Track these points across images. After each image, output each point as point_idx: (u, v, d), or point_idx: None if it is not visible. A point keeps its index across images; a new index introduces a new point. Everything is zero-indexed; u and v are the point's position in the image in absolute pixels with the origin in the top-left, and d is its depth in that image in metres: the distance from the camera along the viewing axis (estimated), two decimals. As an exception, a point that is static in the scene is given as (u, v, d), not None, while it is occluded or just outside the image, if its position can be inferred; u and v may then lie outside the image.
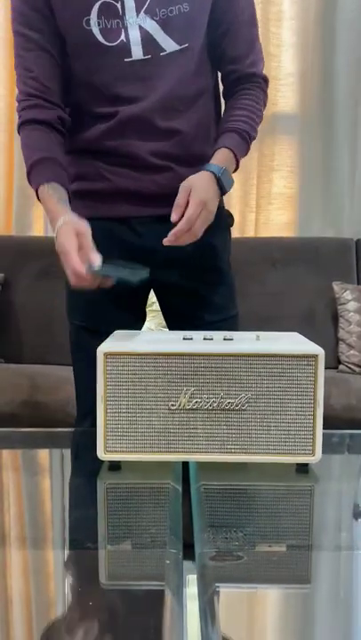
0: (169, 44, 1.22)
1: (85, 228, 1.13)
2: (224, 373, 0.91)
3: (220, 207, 1.38)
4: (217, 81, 1.37)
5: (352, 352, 2.65)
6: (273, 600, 0.64)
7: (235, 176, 1.46)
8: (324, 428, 0.92)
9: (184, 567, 0.67)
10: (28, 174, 1.25)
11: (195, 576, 0.66)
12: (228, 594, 0.63)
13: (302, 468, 0.93)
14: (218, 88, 1.38)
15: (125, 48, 1.21)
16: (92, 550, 0.72)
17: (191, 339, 0.98)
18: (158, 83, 1.24)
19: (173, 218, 1.18)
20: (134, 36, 1.20)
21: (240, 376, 0.91)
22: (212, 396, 0.91)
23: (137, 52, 1.21)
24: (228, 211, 1.42)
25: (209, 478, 0.91)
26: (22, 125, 1.28)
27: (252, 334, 1.03)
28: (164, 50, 1.22)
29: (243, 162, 1.36)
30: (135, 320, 1.39)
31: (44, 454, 1.14)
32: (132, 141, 1.27)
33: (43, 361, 2.72)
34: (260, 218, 3.06)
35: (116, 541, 0.75)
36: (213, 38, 1.29)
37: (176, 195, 1.24)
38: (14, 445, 1.15)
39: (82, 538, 0.76)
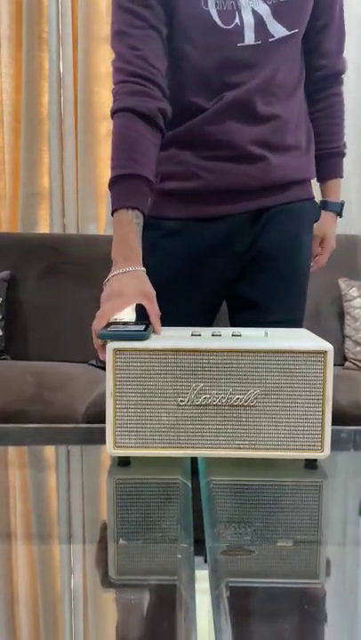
0: (277, 30, 1.20)
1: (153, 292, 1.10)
2: (233, 369, 0.91)
3: (310, 199, 1.38)
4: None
5: (358, 349, 2.65)
6: (283, 595, 0.64)
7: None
8: (331, 424, 0.92)
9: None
10: (113, 182, 1.16)
11: (203, 571, 0.66)
12: (239, 588, 0.63)
13: (311, 464, 0.93)
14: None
15: (240, 32, 1.19)
16: (102, 545, 0.72)
17: (200, 335, 0.98)
18: (263, 69, 1.22)
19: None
20: (248, 21, 1.18)
21: (249, 372, 0.91)
22: (220, 392, 0.91)
23: (249, 37, 1.19)
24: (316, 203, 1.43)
25: (218, 474, 0.91)
26: (120, 112, 1.17)
27: (260, 330, 1.03)
28: (272, 36, 1.20)
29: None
30: (201, 315, 1.36)
31: (50, 450, 1.14)
32: (232, 126, 1.23)
33: (49, 358, 2.73)
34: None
35: (126, 536, 0.75)
36: (311, 29, 1.28)
37: (268, 188, 1.27)
38: (21, 441, 1.15)
39: (92, 533, 0.76)
